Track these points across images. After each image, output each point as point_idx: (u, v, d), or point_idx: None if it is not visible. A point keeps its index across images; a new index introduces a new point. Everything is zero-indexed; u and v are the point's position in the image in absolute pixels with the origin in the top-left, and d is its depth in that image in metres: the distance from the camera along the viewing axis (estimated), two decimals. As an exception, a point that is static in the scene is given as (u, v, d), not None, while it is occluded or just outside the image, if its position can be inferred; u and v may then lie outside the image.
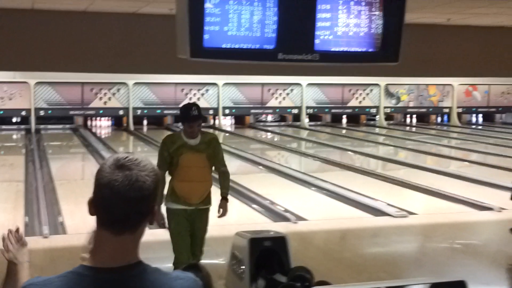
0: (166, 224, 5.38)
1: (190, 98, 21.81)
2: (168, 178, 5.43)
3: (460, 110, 24.60)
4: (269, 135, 20.90)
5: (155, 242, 7.22)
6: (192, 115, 5.10)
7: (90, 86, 20.67)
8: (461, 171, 13.17)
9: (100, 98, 20.99)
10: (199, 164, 5.22)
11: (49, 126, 20.99)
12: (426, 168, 13.50)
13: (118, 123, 21.76)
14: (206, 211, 5.48)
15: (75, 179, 11.49)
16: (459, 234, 8.25)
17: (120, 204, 1.55)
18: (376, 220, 8.74)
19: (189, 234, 5.43)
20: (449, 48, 8.32)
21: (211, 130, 21.89)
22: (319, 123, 23.81)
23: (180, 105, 5.47)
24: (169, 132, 21.31)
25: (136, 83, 21.05)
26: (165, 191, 5.41)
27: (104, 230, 1.58)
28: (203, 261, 6.53)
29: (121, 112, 21.34)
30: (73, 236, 7.31)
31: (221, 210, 5.59)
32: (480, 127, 24.41)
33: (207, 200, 5.41)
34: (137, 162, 1.57)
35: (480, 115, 25.51)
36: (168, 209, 5.38)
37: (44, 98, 20.35)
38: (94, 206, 1.59)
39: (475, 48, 8.39)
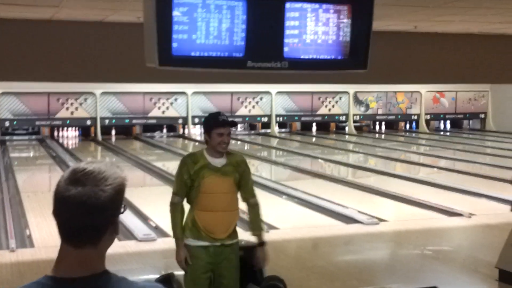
0: (190, 261, 4.36)
1: (159, 107, 21.69)
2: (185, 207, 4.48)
3: (428, 116, 24.91)
4: (239, 143, 20.87)
5: (125, 254, 7.11)
6: (222, 120, 4.22)
7: (57, 96, 20.41)
8: (431, 177, 13.30)
9: (67, 108, 20.74)
10: (225, 189, 4.28)
11: (15, 137, 20.65)
12: (396, 175, 13.60)
13: (85, 133, 21.53)
14: (234, 247, 4.42)
15: (42, 191, 11.29)
16: (430, 240, 8.31)
17: (74, 220, 1.52)
18: (348, 227, 8.75)
19: (213, 278, 4.38)
20: (416, 55, 8.39)
21: (180, 140, 21.85)
22: (288, 130, 23.87)
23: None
24: (138, 142, 21.29)
25: (103, 93, 20.85)
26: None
27: (64, 244, 1.55)
28: (175, 271, 6.44)
29: (88, 122, 21.11)
30: (41, 249, 7.16)
31: (259, 258, 4.46)
32: (448, 133, 24.74)
33: (234, 234, 4.43)
34: (93, 175, 1.53)
35: (448, 122, 25.86)
36: (186, 247, 4.36)
37: (9, 109, 20.01)
38: (54, 219, 1.56)
39: (442, 55, 8.48)
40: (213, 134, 4.18)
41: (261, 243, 4.44)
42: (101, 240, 1.56)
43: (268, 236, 8.24)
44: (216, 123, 4.19)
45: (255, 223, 4.50)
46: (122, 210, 1.61)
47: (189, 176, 4.22)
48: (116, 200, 1.57)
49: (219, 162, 4.25)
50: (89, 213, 1.52)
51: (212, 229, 4.25)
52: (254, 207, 4.48)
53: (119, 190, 1.58)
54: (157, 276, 5.10)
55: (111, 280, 1.56)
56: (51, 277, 1.54)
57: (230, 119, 4.30)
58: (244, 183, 4.37)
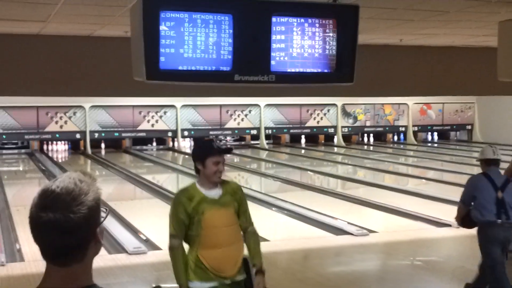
0: None
1: (148, 121, 21.69)
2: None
3: (415, 128, 25.06)
4: (229, 156, 20.87)
5: (116, 267, 7.10)
6: (218, 147, 3.91)
7: (46, 109, 20.39)
8: (419, 188, 13.37)
9: (56, 122, 20.71)
10: (227, 222, 3.93)
11: (4, 151, 20.57)
12: (384, 186, 13.66)
13: (75, 146, 21.48)
14: (243, 283, 4.01)
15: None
16: (419, 251, 8.35)
17: (54, 244, 1.51)
18: (338, 239, 8.78)
19: None
20: (403, 67, 8.47)
21: (169, 153, 21.84)
22: (271, 142, 23.86)
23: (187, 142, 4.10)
24: (128, 156, 21.25)
25: (92, 106, 20.84)
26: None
27: (49, 264, 1.54)
28: (166, 284, 6.43)
29: (78, 136, 21.08)
30: (31, 263, 7.14)
31: (259, 285, 4.02)
32: (435, 144, 24.87)
33: (242, 268, 4.02)
34: (62, 199, 1.50)
35: (435, 133, 26.01)
36: None
37: (-2, 123, 19.99)
38: (35, 243, 1.55)
39: (428, 67, 8.57)
40: (208, 163, 3.86)
41: (261, 271, 4.05)
42: (86, 255, 1.55)
43: (257, 248, 8.27)
44: (211, 151, 3.87)
45: (255, 252, 4.09)
46: (102, 218, 1.58)
47: (187, 214, 3.86)
48: (91, 216, 1.53)
49: (215, 193, 3.92)
50: (66, 236, 1.49)
51: (220, 266, 3.88)
52: (253, 236, 4.11)
53: (92, 206, 1.53)
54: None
55: None
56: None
57: (223, 146, 4.00)
58: (242, 211, 4.05)
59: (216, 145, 3.92)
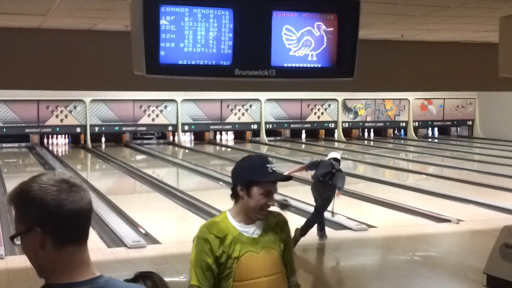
0: None
1: (149, 115, 21.69)
2: None
3: (416, 124, 25.06)
4: (229, 150, 20.88)
5: (115, 261, 7.12)
6: (273, 172, 2.86)
7: (46, 103, 20.40)
8: (419, 184, 13.38)
9: (57, 116, 20.72)
10: (270, 270, 2.84)
11: (4, 145, 20.58)
12: (384, 181, 13.67)
13: (75, 140, 21.49)
14: None
15: (31, 198, 11.19)
16: (419, 246, 8.36)
17: (85, 216, 1.60)
18: (337, 234, 8.79)
19: None
20: (403, 63, 8.46)
21: (170, 147, 21.86)
22: (278, 138, 23.93)
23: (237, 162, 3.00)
24: (128, 150, 21.28)
25: (93, 100, 20.84)
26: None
27: (69, 246, 1.57)
28: (165, 278, 6.44)
29: (78, 130, 21.09)
30: (29, 257, 7.15)
31: None
32: (436, 140, 24.88)
33: None
34: (80, 184, 1.62)
35: (436, 129, 26.01)
36: None
37: (-2, 116, 20.00)
38: (53, 228, 1.56)
39: (429, 62, 8.56)
40: (255, 192, 2.80)
41: None
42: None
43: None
44: (264, 176, 2.82)
45: None
46: None
47: (215, 259, 2.77)
48: None
49: (254, 230, 2.86)
50: (90, 208, 1.63)
51: None
52: None
53: None
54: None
55: (111, 280, 1.62)
56: (58, 284, 1.56)
57: (279, 171, 3.05)
58: (286, 255, 2.96)
59: (271, 167, 2.86)
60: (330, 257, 7.97)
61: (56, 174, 1.60)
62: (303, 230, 7.92)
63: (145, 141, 22.24)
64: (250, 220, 2.85)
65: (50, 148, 20.58)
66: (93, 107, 21.01)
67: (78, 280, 1.57)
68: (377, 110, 24.53)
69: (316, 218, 8.15)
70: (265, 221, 2.90)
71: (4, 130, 20.20)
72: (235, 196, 2.89)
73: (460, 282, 6.86)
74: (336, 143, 23.27)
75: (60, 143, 21.41)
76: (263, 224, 2.89)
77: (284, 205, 6.34)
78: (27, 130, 20.63)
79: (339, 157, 8.74)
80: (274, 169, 2.87)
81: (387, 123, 24.89)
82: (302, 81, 5.69)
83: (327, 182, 8.17)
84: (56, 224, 1.54)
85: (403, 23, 6.72)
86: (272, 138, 23.60)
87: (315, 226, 8.19)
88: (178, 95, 21.46)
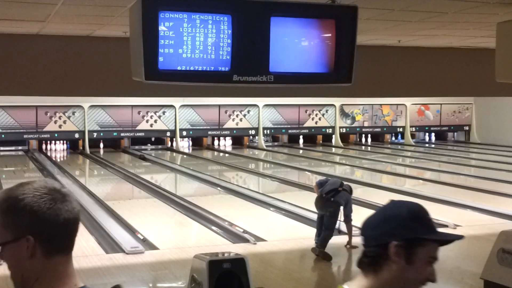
0: None
1: (147, 121, 21.71)
2: None
3: (413, 129, 25.10)
4: (227, 156, 20.88)
5: (113, 267, 7.12)
6: (441, 231, 1.92)
7: (45, 109, 20.42)
8: (416, 188, 13.40)
9: (55, 122, 20.74)
10: None
11: (2, 148, 20.57)
12: (382, 186, 13.68)
13: (73, 146, 21.49)
14: None
15: (29, 204, 11.18)
16: (416, 251, 8.35)
17: (75, 226, 1.58)
18: (335, 239, 8.79)
19: None
20: (401, 68, 8.50)
21: (168, 152, 21.86)
22: (276, 143, 23.96)
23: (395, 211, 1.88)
24: (126, 156, 21.28)
25: (91, 106, 20.86)
26: None
27: (58, 256, 1.55)
28: (163, 284, 6.46)
29: (76, 135, 21.10)
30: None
31: None
32: (433, 145, 24.91)
33: None
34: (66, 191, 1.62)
35: (433, 134, 26.05)
36: None
37: (-4, 122, 20.00)
38: (47, 237, 1.54)
39: (426, 68, 8.59)
40: (420, 258, 1.83)
41: None
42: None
43: (255, 248, 8.29)
44: (430, 234, 1.87)
45: None
46: None
47: None
48: None
49: None
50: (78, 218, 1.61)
51: None
52: None
53: None
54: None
55: None
56: None
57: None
58: None
59: (433, 222, 1.93)
60: (328, 263, 7.97)
61: (47, 183, 1.59)
62: (321, 247, 8.06)
63: (142, 146, 22.27)
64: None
65: (49, 153, 20.57)
66: (91, 112, 21.03)
67: None
68: (375, 116, 24.58)
69: (329, 234, 8.23)
70: None
71: (3, 136, 20.21)
72: (375, 263, 1.85)
73: (457, 287, 6.86)
74: (333, 148, 23.29)
75: (58, 149, 21.41)
76: None
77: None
78: (25, 136, 20.64)
79: (351, 188, 8.94)
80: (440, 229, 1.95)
81: (384, 129, 24.93)
82: (300, 87, 5.72)
83: (329, 199, 8.27)
84: (50, 233, 1.52)
85: (400, 29, 6.76)
86: (270, 144, 23.64)
87: (321, 233, 8.27)
88: (177, 101, 21.48)
